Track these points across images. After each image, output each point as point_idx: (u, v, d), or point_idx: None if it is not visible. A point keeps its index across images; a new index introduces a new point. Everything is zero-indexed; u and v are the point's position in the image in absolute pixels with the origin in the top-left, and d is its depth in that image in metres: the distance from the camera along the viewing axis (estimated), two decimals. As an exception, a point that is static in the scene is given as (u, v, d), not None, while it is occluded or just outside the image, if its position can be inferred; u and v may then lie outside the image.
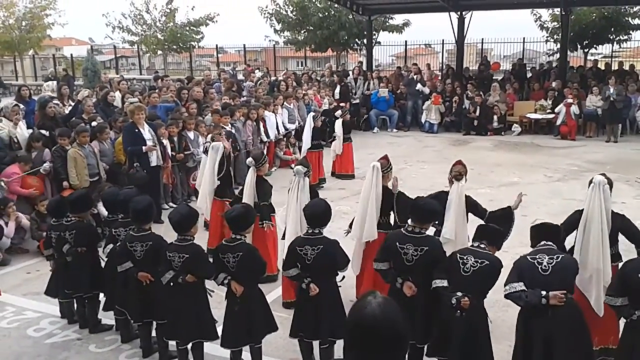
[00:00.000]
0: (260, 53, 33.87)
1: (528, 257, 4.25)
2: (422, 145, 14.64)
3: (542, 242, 4.32)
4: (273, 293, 6.53)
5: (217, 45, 29.59)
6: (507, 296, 4.23)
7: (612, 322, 4.77)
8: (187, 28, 26.90)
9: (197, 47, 28.48)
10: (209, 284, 4.98)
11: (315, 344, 4.91)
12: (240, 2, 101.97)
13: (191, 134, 10.27)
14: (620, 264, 4.77)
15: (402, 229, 4.81)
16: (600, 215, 4.76)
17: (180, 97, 11.99)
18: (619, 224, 4.94)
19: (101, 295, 5.80)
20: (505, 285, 4.26)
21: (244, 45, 28.74)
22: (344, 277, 5.10)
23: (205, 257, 4.93)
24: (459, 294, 4.28)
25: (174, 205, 9.44)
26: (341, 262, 4.88)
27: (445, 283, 4.42)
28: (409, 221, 4.80)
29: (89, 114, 10.13)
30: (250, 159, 6.83)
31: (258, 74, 18.11)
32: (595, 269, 4.75)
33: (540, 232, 4.41)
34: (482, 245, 4.47)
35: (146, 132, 8.99)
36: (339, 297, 4.89)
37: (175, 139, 10.01)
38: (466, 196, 5.60)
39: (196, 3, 61.03)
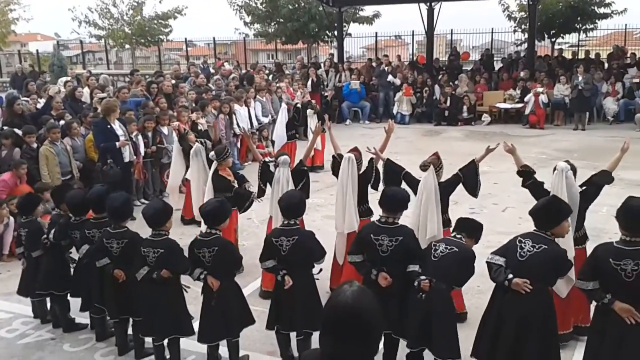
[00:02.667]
0: (230, 46, 33.58)
1: (519, 237, 4.31)
2: (395, 137, 14.42)
3: (535, 229, 4.33)
4: (250, 286, 6.55)
5: (186, 39, 29.26)
6: (487, 262, 4.37)
7: (584, 302, 4.91)
8: (155, 21, 26.50)
9: (165, 40, 28.11)
10: (185, 279, 4.97)
11: (293, 335, 4.95)
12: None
13: (165, 129, 10.17)
14: (588, 246, 4.91)
15: (375, 220, 4.86)
16: (563, 198, 4.87)
17: (149, 92, 11.85)
18: (583, 201, 5.06)
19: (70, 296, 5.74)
20: (491, 252, 4.40)
21: (214, 38, 28.47)
22: (320, 269, 5.13)
23: (181, 252, 4.91)
24: (423, 277, 4.39)
25: (146, 202, 9.34)
26: (317, 253, 4.91)
27: (416, 268, 4.52)
28: (381, 211, 4.84)
29: (57, 110, 9.95)
30: (212, 153, 6.82)
31: (228, 66, 17.98)
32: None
33: (534, 219, 4.38)
34: (459, 236, 4.56)
35: (117, 127, 8.89)
36: (315, 289, 4.92)
37: (149, 134, 9.91)
38: (440, 183, 5.63)
39: (164, -4, 60.21)
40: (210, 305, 4.74)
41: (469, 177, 5.68)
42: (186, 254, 4.90)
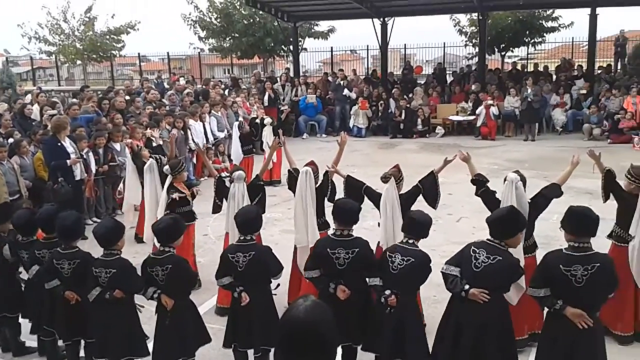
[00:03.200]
0: (185, 61, 33.28)
1: (473, 246, 4.34)
2: (351, 150, 14.78)
3: (490, 237, 4.37)
4: (207, 304, 6.46)
5: (139, 54, 28.91)
6: (442, 272, 4.38)
7: (538, 309, 5.01)
8: (108, 37, 26.08)
9: (118, 55, 27.69)
10: (139, 298, 4.86)
11: (250, 353, 4.88)
12: (163, 10, 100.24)
13: (117, 146, 9.98)
14: (538, 254, 5.02)
15: (330, 234, 4.85)
16: None
17: (101, 108, 11.63)
18: (532, 211, 5.18)
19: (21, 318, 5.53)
20: (445, 263, 4.41)
21: (168, 53, 28.22)
22: (278, 284, 5.09)
23: (134, 272, 4.79)
24: (387, 292, 4.41)
25: (98, 220, 9.13)
26: (274, 269, 4.88)
27: (377, 281, 4.53)
28: (335, 224, 4.84)
29: (6, 128, 9.67)
30: (166, 167, 6.74)
31: (182, 81, 17.80)
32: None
33: (490, 227, 4.41)
34: (410, 241, 4.56)
35: (68, 145, 8.70)
36: (273, 305, 4.88)
37: (101, 151, 9.70)
38: (400, 195, 5.70)
39: (116, 11, 59.41)
40: (165, 324, 4.64)
41: (429, 189, 5.78)
42: (139, 272, 4.80)
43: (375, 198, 5.74)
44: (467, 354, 4.17)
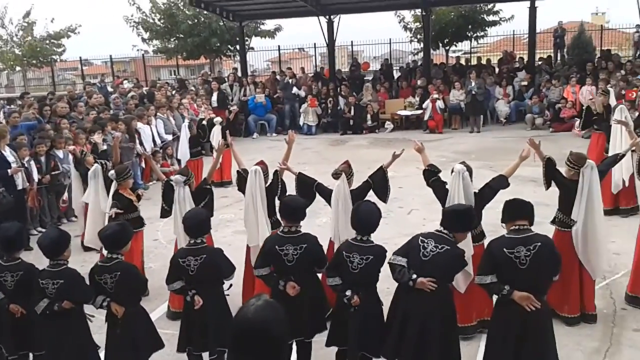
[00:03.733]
0: (129, 63, 32.63)
1: (421, 237, 4.40)
2: (302, 148, 14.84)
3: (441, 228, 4.44)
4: (159, 310, 6.36)
5: (81, 58, 28.14)
6: (389, 263, 4.43)
7: (486, 296, 5.13)
8: (47, 41, 25.28)
9: (59, 60, 26.88)
10: (89, 308, 4.74)
11: (205, 355, 4.84)
12: (104, 12, 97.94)
13: (60, 153, 9.69)
14: (485, 242, 5.14)
15: (278, 231, 4.86)
16: (459, 199, 5.14)
17: (42, 114, 11.27)
18: (478, 202, 5.32)
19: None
20: (392, 254, 4.46)
21: (111, 56, 27.56)
22: (230, 285, 5.06)
23: (82, 281, 4.67)
24: (348, 292, 4.44)
25: (43, 230, 8.86)
26: (227, 270, 4.86)
27: (337, 280, 4.56)
28: (283, 222, 4.86)
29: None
30: (112, 172, 6.61)
31: (127, 84, 17.44)
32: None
33: (444, 217, 4.49)
34: (365, 238, 4.58)
35: (8, 154, 8.44)
36: (227, 306, 4.85)
37: (43, 158, 9.40)
38: (351, 191, 5.74)
39: (56, 15, 57.57)
40: (116, 332, 4.55)
41: (379, 183, 5.86)
42: (88, 281, 4.68)
43: (327, 195, 5.80)
44: (413, 342, 4.24)
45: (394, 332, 4.34)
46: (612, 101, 9.76)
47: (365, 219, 4.60)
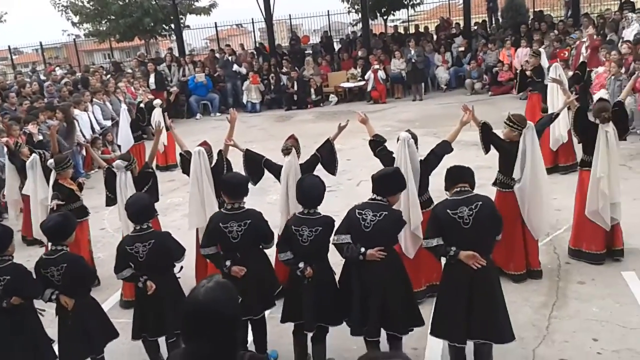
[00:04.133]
0: (61, 49, 31.37)
1: (357, 209, 4.46)
2: (247, 126, 14.71)
3: (373, 196, 4.51)
4: (111, 299, 6.25)
5: (9, 47, 26.86)
6: (334, 244, 4.48)
7: (434, 261, 5.26)
8: (-29, 30, 24.06)
9: (-14, 50, 25.65)
10: (39, 302, 4.61)
11: (162, 340, 4.81)
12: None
13: (-8, 145, 9.26)
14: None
15: (222, 210, 4.83)
16: (405, 167, 5.21)
17: (-28, 107, 10.75)
18: (424, 168, 5.43)
19: None
20: (334, 234, 4.50)
21: (41, 43, 26.40)
22: (182, 267, 5.00)
23: (29, 276, 4.54)
24: (301, 264, 4.47)
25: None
26: (177, 253, 4.81)
27: (289, 255, 4.57)
28: (225, 199, 4.84)
29: None
30: (51, 161, 6.40)
31: (59, 71, 16.78)
32: (407, 218, 5.19)
33: (375, 183, 4.56)
34: (312, 210, 4.61)
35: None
36: (180, 289, 4.80)
37: (-25, 152, 8.97)
38: (301, 164, 5.75)
39: (-21, 3, 54.88)
40: (67, 324, 4.46)
41: (327, 157, 5.89)
42: (35, 276, 4.54)
43: (276, 170, 5.78)
44: (376, 312, 4.32)
45: (356, 307, 4.40)
46: (544, 62, 10.03)
47: (309, 192, 4.63)
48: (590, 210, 5.91)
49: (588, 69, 10.85)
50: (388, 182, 4.53)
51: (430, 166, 5.49)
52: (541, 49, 11.36)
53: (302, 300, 4.55)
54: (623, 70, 10.68)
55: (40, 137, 8.31)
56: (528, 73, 9.90)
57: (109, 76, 16.28)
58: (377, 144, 5.67)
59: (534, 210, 5.69)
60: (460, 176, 4.42)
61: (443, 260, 4.60)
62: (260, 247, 4.81)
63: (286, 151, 5.69)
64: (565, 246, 6.43)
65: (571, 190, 6.60)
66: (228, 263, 4.64)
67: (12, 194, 7.97)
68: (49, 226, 4.53)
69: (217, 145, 6.30)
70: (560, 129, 8.48)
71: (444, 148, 5.56)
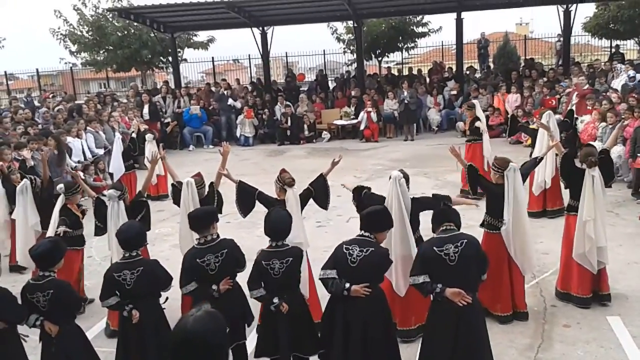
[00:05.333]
0: (57, 77, 31.53)
1: (344, 245, 4.51)
2: (240, 159, 14.78)
3: (361, 232, 4.56)
4: (96, 327, 6.18)
5: (6, 72, 27.05)
6: (320, 279, 4.50)
7: (425, 300, 5.26)
8: (-31, 55, 24.21)
9: (-18, 75, 25.78)
10: (22, 328, 4.57)
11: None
12: (29, 25, 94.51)
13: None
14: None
15: (195, 245, 4.84)
16: (399, 204, 5.28)
17: (-35, 131, 10.76)
18: (415, 207, 5.49)
19: None
20: (321, 269, 4.53)
21: (37, 69, 26.62)
22: (167, 298, 4.97)
23: (14, 301, 4.51)
24: (276, 300, 4.52)
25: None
26: (165, 281, 4.80)
27: (262, 292, 4.61)
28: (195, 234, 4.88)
29: None
30: (60, 186, 6.42)
31: (56, 99, 16.86)
32: (399, 255, 5.23)
33: (363, 220, 4.63)
34: (279, 243, 4.67)
35: None
36: (165, 319, 4.78)
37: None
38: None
39: (-23, 28, 55.17)
40: (51, 351, 4.42)
41: (319, 191, 5.96)
42: (19, 301, 4.50)
43: (269, 203, 5.79)
44: (358, 348, 4.32)
45: (338, 343, 4.39)
46: (480, 114, 10.18)
47: (277, 225, 4.71)
48: (577, 253, 5.97)
49: (575, 116, 11.07)
50: (376, 219, 4.60)
51: (422, 206, 5.57)
52: (475, 101, 11.42)
53: (278, 333, 4.55)
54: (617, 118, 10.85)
55: (33, 163, 8.31)
56: (479, 124, 9.94)
57: (98, 106, 16.34)
58: (360, 190, 5.78)
59: (520, 249, 5.75)
60: (446, 216, 4.52)
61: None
62: (236, 273, 4.84)
63: (291, 183, 5.73)
64: (551, 289, 6.46)
65: (558, 234, 6.67)
66: (215, 287, 4.65)
67: (2, 219, 7.92)
68: (39, 252, 4.51)
69: (210, 177, 6.35)
70: (545, 175, 8.61)
71: (436, 202, 5.53)
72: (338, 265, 4.42)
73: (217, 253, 4.67)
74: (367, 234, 4.52)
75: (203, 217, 4.85)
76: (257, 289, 4.61)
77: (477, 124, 9.94)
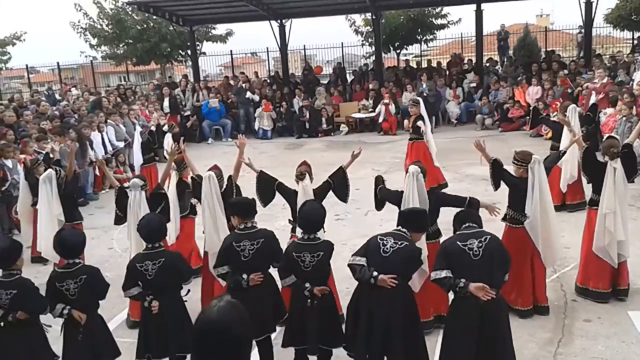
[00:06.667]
0: (77, 70, 31.81)
1: (379, 236, 4.52)
2: (258, 152, 14.81)
3: (398, 228, 4.60)
4: (116, 319, 6.25)
5: (27, 66, 27.35)
6: (348, 264, 4.52)
7: (442, 292, 5.25)
8: (-9, 49, 24.47)
9: (4, 68, 26.07)
10: (45, 318, 4.65)
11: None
12: (50, 19, 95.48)
13: (9, 162, 9.40)
14: (441, 240, 5.27)
15: (235, 230, 4.89)
16: (413, 200, 5.27)
17: (-11, 124, 10.93)
18: (434, 201, 5.46)
19: None
20: (352, 255, 4.55)
21: (58, 63, 26.87)
22: (189, 290, 5.03)
23: (36, 291, 4.59)
24: (307, 285, 4.54)
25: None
26: (185, 274, 4.85)
27: (293, 278, 4.65)
28: (232, 219, 4.94)
29: None
30: (173, 164, 6.70)
31: (75, 92, 17.03)
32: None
33: (402, 217, 4.71)
34: (312, 236, 4.68)
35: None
36: (185, 311, 4.83)
37: (-9, 168, 9.11)
38: (313, 190, 5.81)
39: (-1, 22, 55.83)
40: (77, 340, 4.49)
41: (339, 184, 5.96)
42: (42, 292, 4.58)
43: (288, 194, 5.84)
44: (380, 339, 4.32)
45: (362, 331, 4.40)
46: (424, 112, 10.00)
47: (310, 217, 4.71)
48: (598, 247, 5.92)
49: (598, 110, 10.92)
50: (416, 219, 4.68)
51: (446, 201, 5.57)
52: (419, 98, 11.07)
53: (306, 325, 4.57)
54: (635, 111, 10.72)
55: (57, 157, 8.42)
56: (420, 124, 9.78)
57: (118, 99, 16.48)
58: (379, 182, 5.81)
59: (547, 242, 5.71)
60: (467, 217, 4.58)
61: (451, 294, 4.60)
62: (270, 267, 4.86)
63: (300, 176, 5.75)
64: (572, 284, 6.40)
65: (579, 228, 6.61)
66: (245, 276, 4.67)
67: (26, 210, 8.03)
68: (66, 240, 4.60)
69: (227, 170, 6.38)
70: (571, 169, 8.45)
71: (459, 201, 5.53)
72: (369, 254, 4.44)
73: (254, 241, 4.71)
74: (404, 230, 4.54)
75: (247, 204, 4.95)
76: (288, 277, 4.65)
77: (419, 123, 9.74)
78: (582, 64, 17.10)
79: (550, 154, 7.23)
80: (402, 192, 5.46)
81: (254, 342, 4.71)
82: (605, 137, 6.86)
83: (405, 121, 10.31)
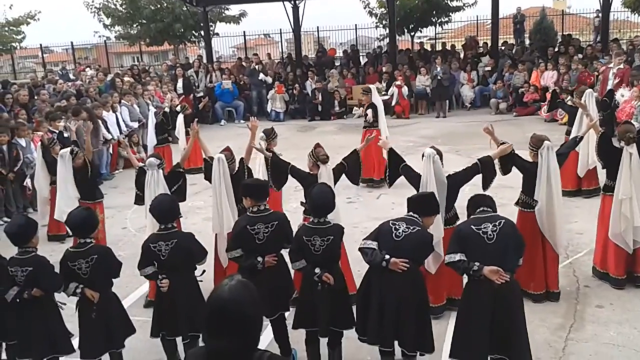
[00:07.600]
0: (91, 50, 31.82)
1: (391, 221, 4.54)
2: (270, 134, 14.82)
3: (409, 213, 4.60)
4: (130, 297, 6.33)
5: (41, 45, 27.44)
6: (359, 248, 4.54)
7: (455, 276, 5.26)
8: (6, 28, 24.58)
9: (19, 48, 26.20)
10: (60, 295, 4.71)
11: (179, 340, 4.87)
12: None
13: (23, 141, 9.49)
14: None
15: (248, 213, 4.89)
16: (430, 183, 5.26)
17: (4, 103, 11.00)
18: (451, 183, 5.45)
19: None
20: (363, 239, 4.56)
21: (72, 43, 26.91)
22: (204, 271, 5.07)
23: (51, 269, 4.64)
24: (317, 270, 4.52)
25: (9, 220, 8.67)
26: (199, 254, 4.88)
27: (303, 263, 4.65)
28: (244, 201, 4.93)
29: None
30: (262, 134, 6.73)
31: (89, 72, 17.08)
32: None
33: (411, 203, 4.68)
34: (322, 220, 4.67)
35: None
36: (199, 291, 4.86)
37: (5, 147, 9.18)
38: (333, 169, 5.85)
39: (14, 1, 56.07)
40: (91, 318, 4.55)
41: (352, 166, 5.97)
42: (57, 270, 4.64)
43: (301, 177, 5.84)
44: (391, 321, 4.35)
45: (374, 313, 4.42)
46: (376, 99, 9.86)
47: (320, 201, 4.70)
48: (613, 233, 5.89)
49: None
50: (423, 203, 4.67)
51: (458, 181, 5.53)
52: (372, 86, 10.87)
53: (317, 307, 4.59)
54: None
55: (74, 137, 8.47)
56: (369, 112, 9.67)
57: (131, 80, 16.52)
58: (397, 161, 5.74)
59: (551, 228, 5.70)
60: (482, 201, 4.55)
61: (465, 278, 4.61)
62: (282, 248, 4.87)
63: (325, 159, 5.76)
64: (584, 269, 6.39)
65: (593, 214, 6.57)
66: (260, 259, 4.69)
67: (44, 191, 8.10)
68: (74, 220, 4.64)
69: (239, 152, 6.39)
70: (590, 155, 8.24)
71: (472, 170, 5.57)
72: (381, 238, 4.45)
73: (268, 224, 4.71)
74: (415, 215, 4.55)
75: (261, 186, 4.95)
76: (298, 261, 4.67)
77: (368, 111, 9.64)
78: (599, 49, 16.85)
79: (565, 139, 7.16)
80: (420, 175, 5.45)
81: (266, 321, 4.77)
82: (622, 123, 6.78)
83: (360, 109, 10.20)
